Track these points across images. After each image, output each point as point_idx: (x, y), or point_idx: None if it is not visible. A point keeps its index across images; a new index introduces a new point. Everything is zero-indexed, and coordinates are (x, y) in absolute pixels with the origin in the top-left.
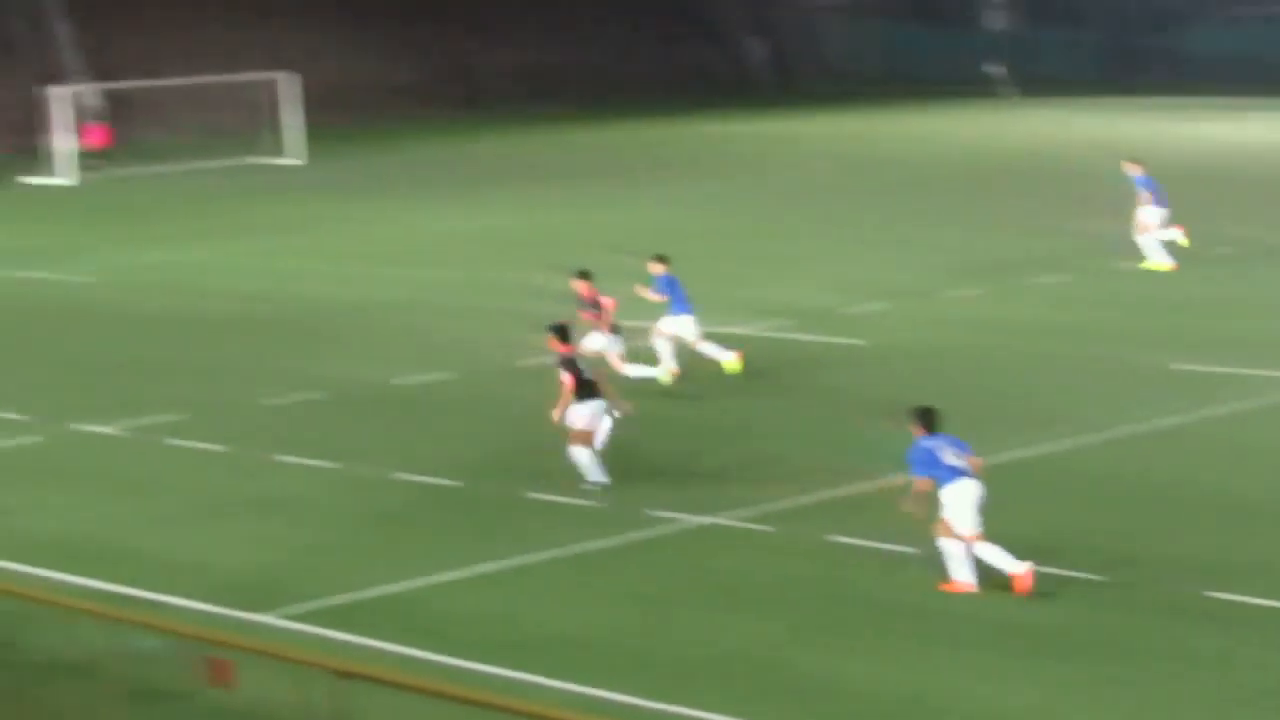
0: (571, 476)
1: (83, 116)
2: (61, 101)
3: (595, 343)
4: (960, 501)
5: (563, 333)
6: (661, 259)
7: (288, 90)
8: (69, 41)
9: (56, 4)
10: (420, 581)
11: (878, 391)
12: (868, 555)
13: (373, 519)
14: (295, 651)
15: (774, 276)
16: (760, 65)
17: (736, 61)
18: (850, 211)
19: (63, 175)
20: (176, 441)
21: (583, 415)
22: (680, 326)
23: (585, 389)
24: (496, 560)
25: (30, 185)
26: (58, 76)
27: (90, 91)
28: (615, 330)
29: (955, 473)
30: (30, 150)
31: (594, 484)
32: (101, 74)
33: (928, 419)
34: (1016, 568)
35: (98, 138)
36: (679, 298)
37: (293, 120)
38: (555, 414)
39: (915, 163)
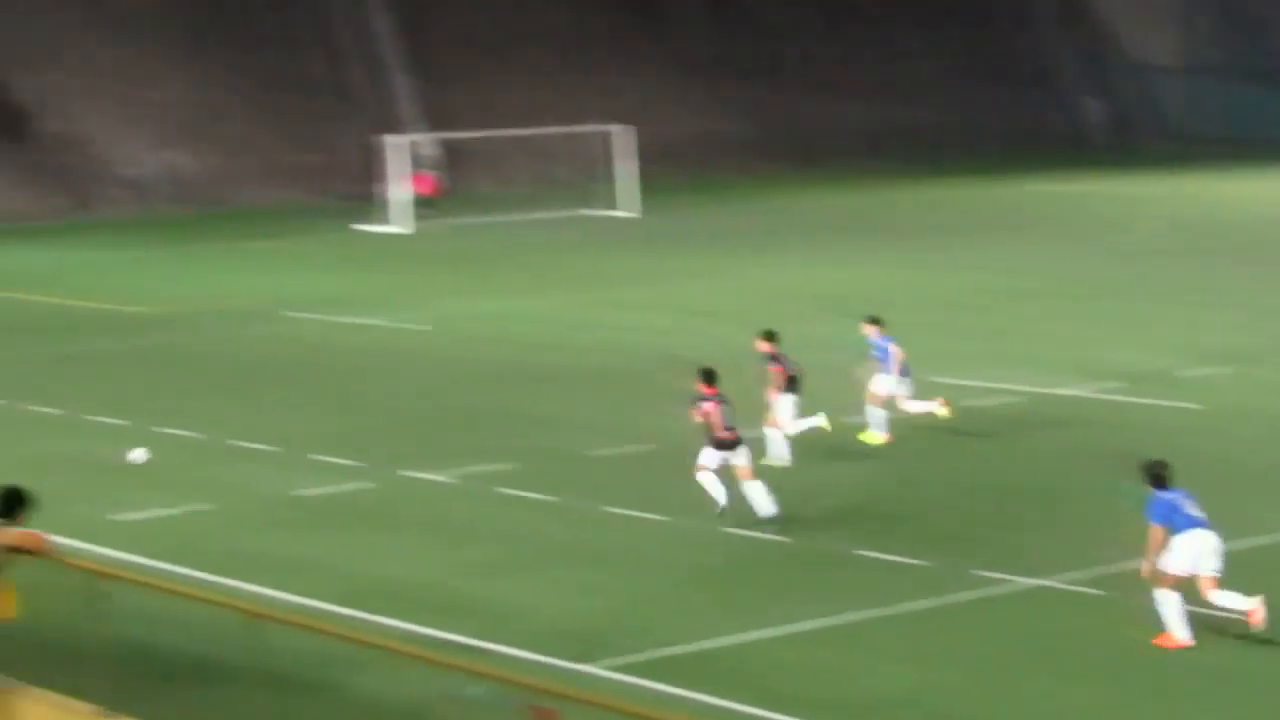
0: (901, 532)
1: (418, 166)
2: (398, 151)
3: (884, 385)
4: (1198, 549)
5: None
6: (875, 321)
7: (622, 143)
8: (407, 92)
9: (396, 56)
10: (746, 636)
11: (1210, 456)
12: (1200, 622)
13: (699, 572)
14: (621, 702)
15: (1108, 338)
16: (1098, 125)
17: (1074, 121)
18: (1187, 274)
19: (398, 223)
20: (506, 490)
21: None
22: (890, 387)
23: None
24: (823, 617)
25: (366, 232)
26: (395, 126)
27: (427, 141)
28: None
29: (1194, 521)
30: (367, 198)
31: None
32: (438, 124)
33: (1160, 474)
34: (1249, 603)
35: (426, 186)
36: (886, 359)
37: (626, 173)
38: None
39: (1255, 225)
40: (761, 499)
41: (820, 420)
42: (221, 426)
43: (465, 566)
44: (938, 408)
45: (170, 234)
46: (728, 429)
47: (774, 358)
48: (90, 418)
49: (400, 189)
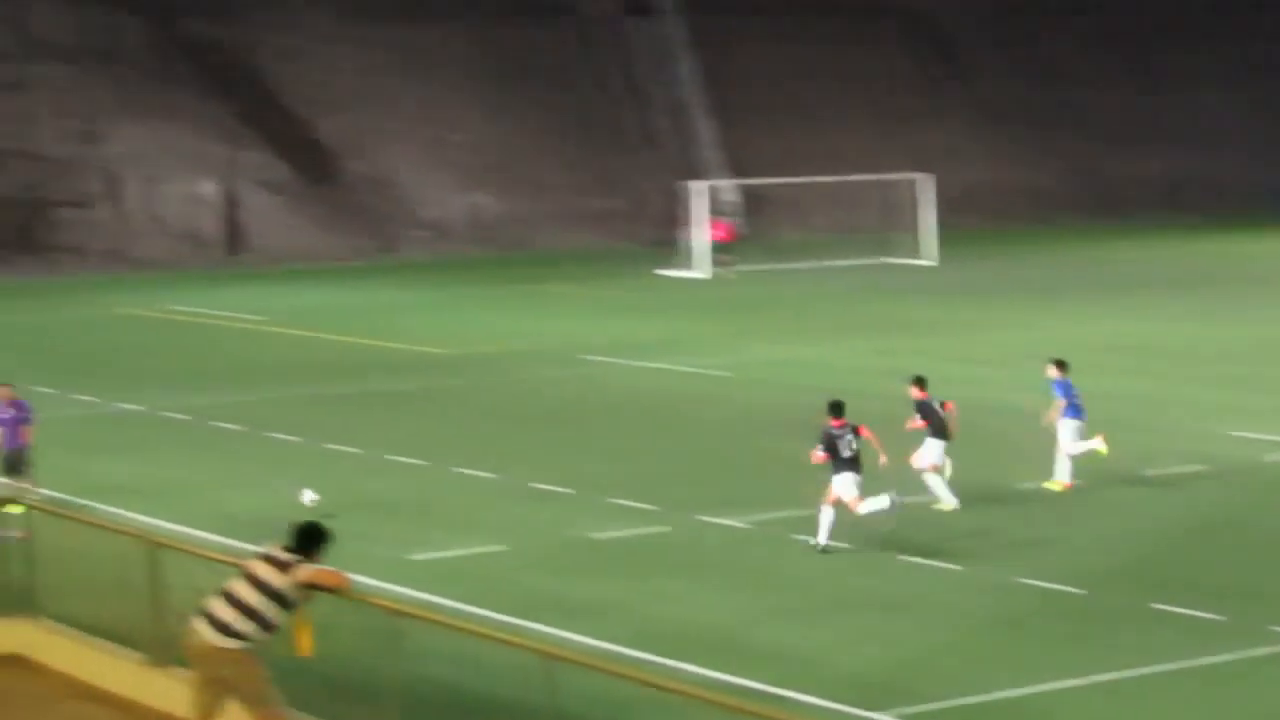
0: (1193, 585)
1: (718, 212)
2: (699, 196)
3: (1063, 431)
4: None
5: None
6: (1059, 364)
7: (923, 190)
8: (709, 137)
9: (699, 102)
10: (1039, 687)
11: None
12: None
13: (993, 622)
14: None
15: None
16: None
17: None
18: None
19: (698, 269)
20: (802, 537)
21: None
22: (1071, 430)
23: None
24: (1118, 670)
25: (667, 278)
26: (697, 171)
27: (729, 187)
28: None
29: None
30: (668, 242)
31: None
32: (739, 170)
33: None
34: None
35: (721, 232)
36: (1073, 403)
37: (927, 221)
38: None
39: None
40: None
41: (1098, 443)
42: (519, 468)
43: (760, 612)
44: (1099, 445)
45: (471, 276)
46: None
47: (922, 405)
48: (389, 457)
49: (700, 234)
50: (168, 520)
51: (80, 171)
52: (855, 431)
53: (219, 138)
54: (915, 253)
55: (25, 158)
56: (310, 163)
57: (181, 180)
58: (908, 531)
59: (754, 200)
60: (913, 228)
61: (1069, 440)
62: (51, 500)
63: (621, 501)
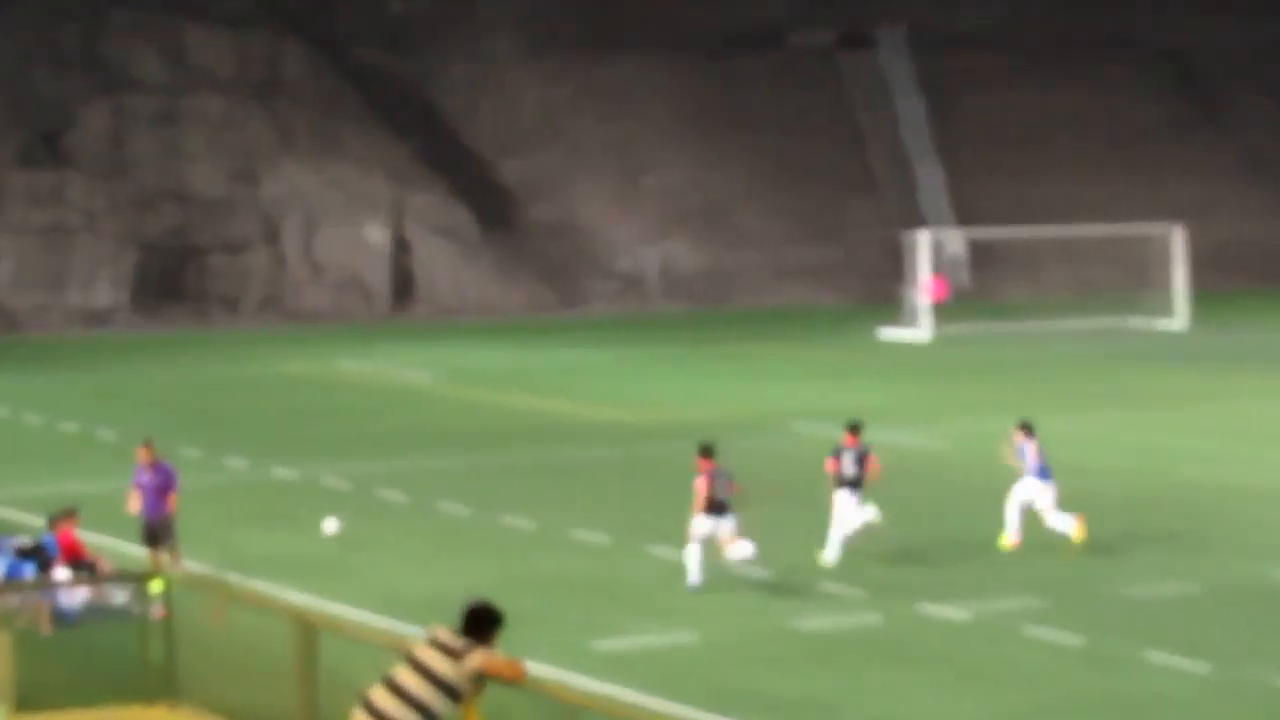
0: None
1: (938, 265)
2: (922, 248)
3: (1023, 490)
4: None
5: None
6: (1023, 426)
7: (1174, 246)
8: (933, 184)
9: (922, 144)
10: None
11: None
12: None
13: None
14: None
15: None
16: None
17: None
18: None
19: (920, 328)
20: (1029, 629)
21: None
22: (1030, 492)
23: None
24: None
25: (885, 338)
26: (917, 220)
27: (954, 238)
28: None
29: None
30: (885, 299)
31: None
32: (964, 219)
33: None
34: None
35: (937, 290)
36: (1037, 465)
37: (1177, 280)
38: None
39: None
40: (743, 551)
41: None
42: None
43: (981, 714)
44: (1074, 531)
45: (665, 334)
46: (717, 499)
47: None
48: (571, 533)
49: (921, 290)
50: (324, 598)
51: (235, 214)
52: (729, 475)
53: (388, 178)
54: (1162, 314)
55: (175, 198)
56: (488, 206)
57: (346, 224)
58: (1153, 625)
59: (981, 253)
60: (1159, 287)
61: (1019, 497)
62: (195, 575)
63: (828, 587)
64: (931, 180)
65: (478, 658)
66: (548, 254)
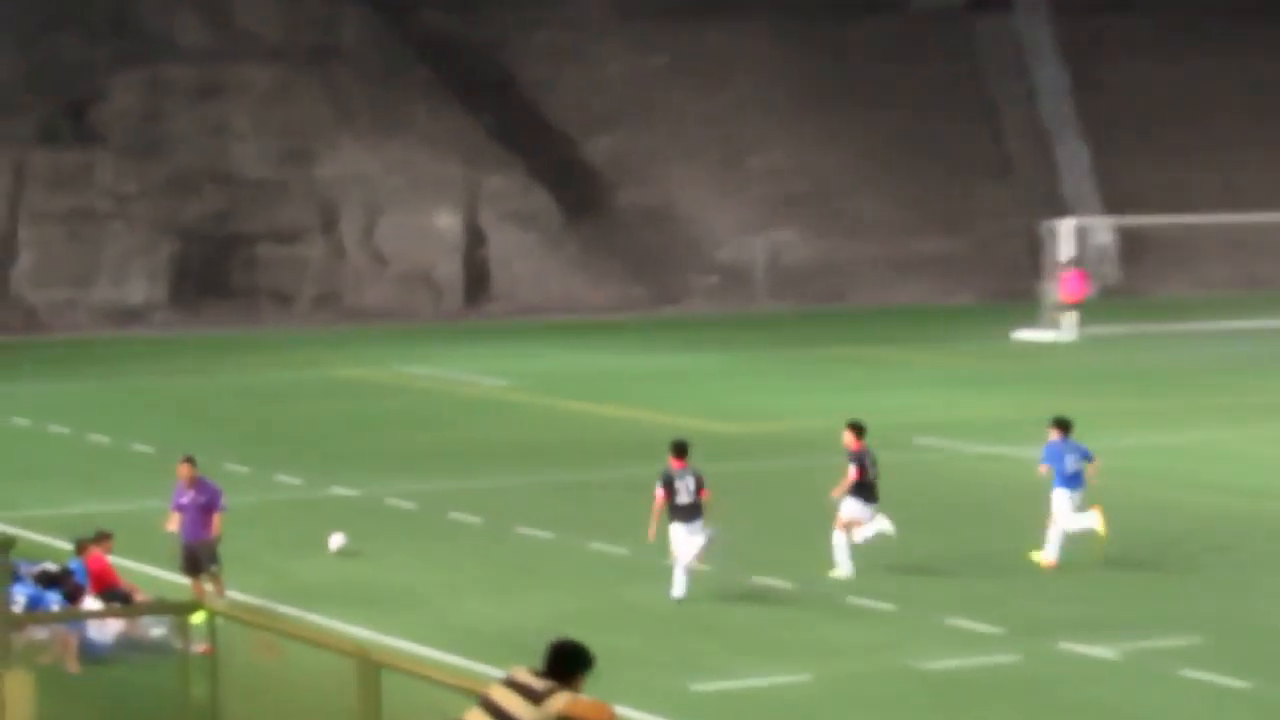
0: None
1: (1082, 257)
2: (1064, 238)
3: (1056, 501)
4: None
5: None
6: (1059, 424)
7: None
8: (1077, 166)
9: (1065, 120)
10: None
11: None
12: None
13: None
14: None
15: None
16: None
17: None
18: None
19: (1061, 329)
20: (1186, 672)
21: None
22: (1061, 502)
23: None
24: None
25: (1024, 341)
26: (1059, 207)
27: (1101, 226)
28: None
29: None
30: (1024, 296)
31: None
32: (1114, 207)
33: None
34: None
35: (1073, 287)
36: (1070, 470)
37: None
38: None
39: None
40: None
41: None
42: (827, 579)
43: None
44: (1097, 524)
45: (771, 335)
46: (682, 504)
47: (857, 456)
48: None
49: (1061, 285)
50: (388, 634)
51: (286, 198)
52: (698, 476)
53: (460, 158)
54: None
55: (220, 181)
56: (572, 190)
57: (412, 211)
58: None
59: (1131, 244)
60: None
61: (1062, 513)
62: (243, 606)
63: (957, 622)
64: (1075, 161)
65: (561, 701)
66: (640, 244)
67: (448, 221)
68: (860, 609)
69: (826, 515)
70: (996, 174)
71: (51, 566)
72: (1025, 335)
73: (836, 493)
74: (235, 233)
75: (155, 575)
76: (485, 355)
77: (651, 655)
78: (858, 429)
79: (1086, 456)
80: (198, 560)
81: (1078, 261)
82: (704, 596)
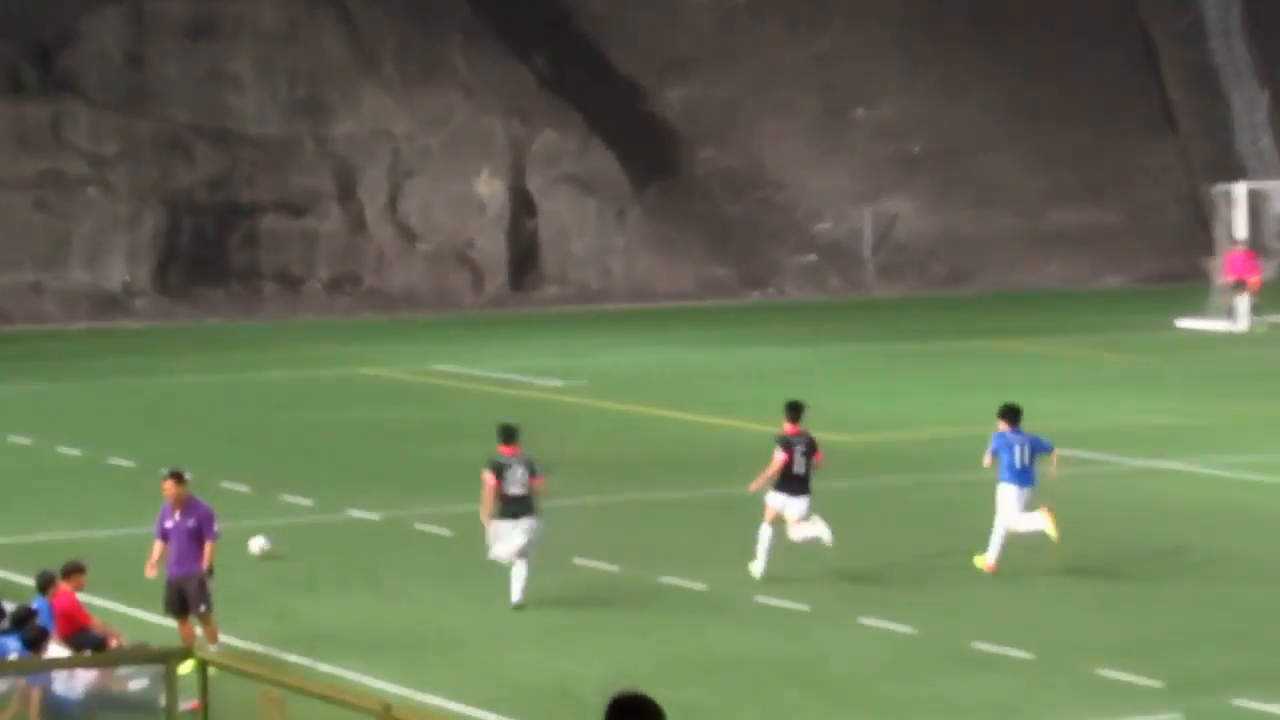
0: None
1: (1260, 231)
2: (1237, 206)
3: (1003, 496)
4: None
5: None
6: (1006, 413)
7: None
8: (1257, 119)
9: (1238, 62)
10: None
11: None
12: None
13: None
14: None
15: None
16: None
17: None
18: None
19: (1231, 318)
20: None
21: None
22: (1008, 498)
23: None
24: None
25: (1190, 331)
26: (1239, 170)
27: None
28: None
29: None
30: (1190, 275)
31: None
32: None
33: None
34: None
35: (1241, 268)
36: (1019, 465)
37: None
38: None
39: None
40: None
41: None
42: (954, 619)
43: None
44: (1048, 526)
45: (882, 325)
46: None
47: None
48: (753, 597)
49: (1228, 265)
50: (418, 687)
51: (297, 161)
52: (530, 465)
53: (506, 111)
54: None
55: (216, 139)
56: (641, 150)
57: (448, 175)
58: None
59: None
60: None
61: (1007, 512)
62: (241, 654)
63: (1110, 674)
64: (1251, 113)
65: None
66: (721, 215)
67: (490, 187)
68: (991, 657)
69: (950, 545)
70: (1156, 128)
71: (9, 605)
72: (1191, 324)
73: (756, 486)
74: (234, 202)
75: (135, 616)
76: (534, 350)
77: (736, 710)
78: (795, 409)
79: (1043, 448)
80: (185, 597)
81: (1249, 240)
82: (800, 639)
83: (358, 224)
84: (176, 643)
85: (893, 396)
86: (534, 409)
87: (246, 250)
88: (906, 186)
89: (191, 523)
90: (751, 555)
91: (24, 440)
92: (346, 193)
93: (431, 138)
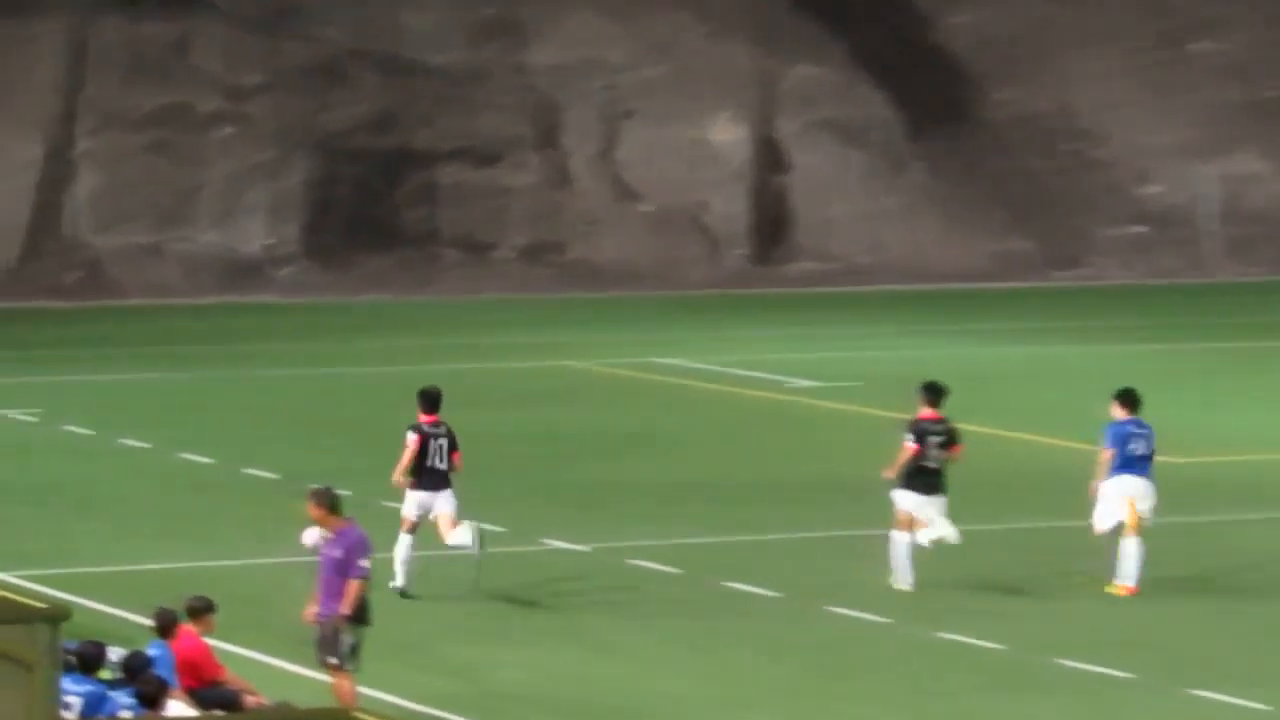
0: None
1: None
2: None
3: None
4: None
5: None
6: (1123, 397)
7: None
8: None
9: None
10: None
11: None
12: None
13: None
14: None
15: None
16: None
17: None
18: None
19: None
20: None
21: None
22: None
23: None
24: None
25: None
26: None
27: None
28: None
29: None
30: None
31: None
32: None
33: None
34: None
35: None
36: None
37: None
38: None
39: None
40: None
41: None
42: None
43: None
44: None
45: (1231, 315)
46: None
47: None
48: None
49: None
50: None
51: (485, 96)
52: (451, 435)
53: (748, 38)
54: None
55: (384, 68)
56: (921, 91)
57: (675, 117)
58: None
59: None
60: None
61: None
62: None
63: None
64: None
65: None
66: (1023, 174)
67: (729, 134)
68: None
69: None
70: None
71: (118, 651)
72: None
73: (889, 472)
74: (405, 147)
75: (277, 666)
76: (783, 341)
77: None
78: (934, 392)
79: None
80: (333, 643)
81: None
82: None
83: (561, 178)
84: (333, 699)
85: (1241, 407)
86: (784, 416)
87: (420, 208)
88: (1261, 140)
89: (339, 553)
90: (890, 570)
91: (138, 444)
92: (547, 138)
93: (655, 69)
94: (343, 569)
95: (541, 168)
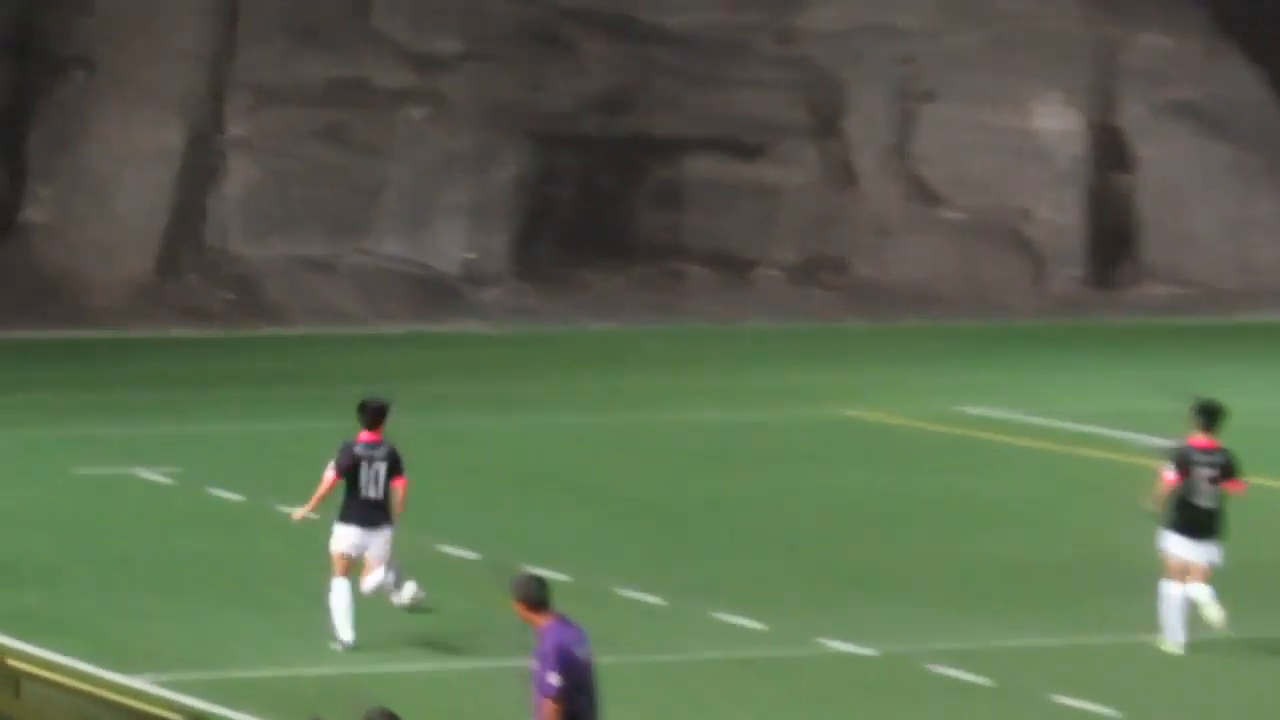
0: None
1: None
2: None
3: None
4: None
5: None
6: (1205, 413)
7: None
8: None
9: None
10: None
11: None
12: None
13: None
14: None
15: None
16: None
17: None
18: None
19: None
20: None
21: None
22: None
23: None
24: None
25: None
26: None
27: None
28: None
29: None
30: None
31: None
32: None
33: None
34: None
35: None
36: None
37: None
38: None
39: None
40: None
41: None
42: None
43: None
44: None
45: None
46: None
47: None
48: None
49: None
50: None
51: (748, 70)
52: (394, 458)
53: (1078, 4)
54: None
55: (617, 34)
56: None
57: (994, 98)
58: None
59: None
60: None
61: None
62: None
63: None
64: None
65: None
66: None
67: (1057, 121)
68: None
69: None
70: None
71: None
72: None
73: (1149, 504)
74: (644, 135)
75: None
76: (1129, 384)
77: None
78: (1209, 415)
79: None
80: None
81: None
82: None
83: (844, 176)
84: None
85: None
86: (1130, 482)
87: (663, 213)
88: None
89: (534, 662)
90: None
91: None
92: (825, 125)
93: (964, 37)
94: (539, 683)
95: (818, 163)
